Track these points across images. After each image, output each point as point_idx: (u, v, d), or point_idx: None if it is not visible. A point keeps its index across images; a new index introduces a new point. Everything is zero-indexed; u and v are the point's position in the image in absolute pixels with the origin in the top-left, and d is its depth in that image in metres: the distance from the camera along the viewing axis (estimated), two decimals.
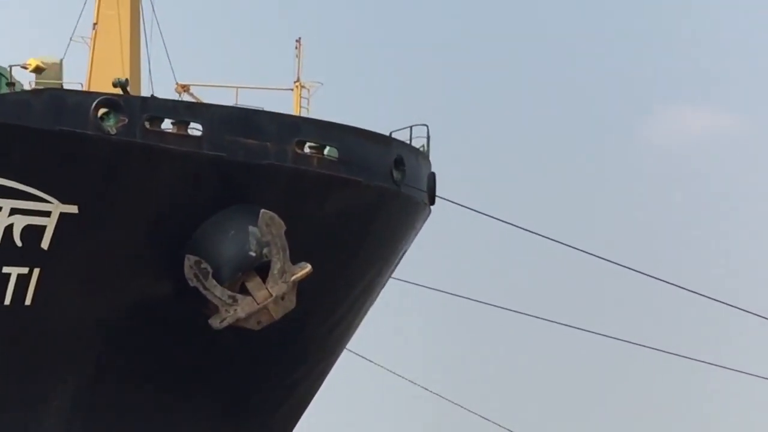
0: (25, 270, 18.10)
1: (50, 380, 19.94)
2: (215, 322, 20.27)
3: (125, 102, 18.80)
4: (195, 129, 20.16)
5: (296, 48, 29.74)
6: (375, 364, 33.53)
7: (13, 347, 18.82)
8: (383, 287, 29.46)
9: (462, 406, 34.07)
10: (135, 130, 18.47)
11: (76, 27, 29.49)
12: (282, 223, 20.54)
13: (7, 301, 18.15)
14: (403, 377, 34.24)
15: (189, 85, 30.34)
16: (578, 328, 32.54)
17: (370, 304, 29.07)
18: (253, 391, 24.89)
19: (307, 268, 21.05)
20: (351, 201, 23.39)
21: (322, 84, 29.84)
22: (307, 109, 29.58)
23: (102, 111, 18.09)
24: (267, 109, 23.70)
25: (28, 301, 18.47)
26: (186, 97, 30.20)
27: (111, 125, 18.12)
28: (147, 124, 18.76)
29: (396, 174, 24.14)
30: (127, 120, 18.27)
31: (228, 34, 66.97)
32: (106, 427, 21.41)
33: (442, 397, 34.12)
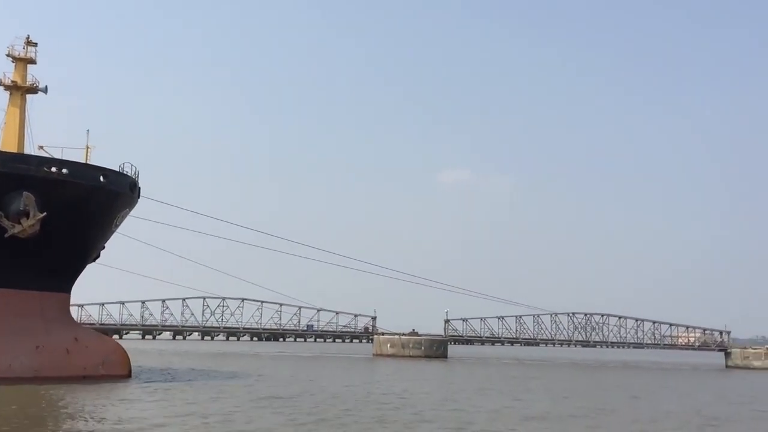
0: None
1: None
2: (5, 234, 51.99)
3: None
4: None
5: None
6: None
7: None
8: (114, 231, 61.41)
9: None
10: None
11: None
12: (32, 197, 52.14)
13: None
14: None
15: (44, 146, 62.25)
16: None
17: (108, 239, 61.06)
18: (60, 265, 57.05)
19: (44, 214, 52.51)
20: (78, 191, 55.00)
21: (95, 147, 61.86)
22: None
23: None
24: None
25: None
26: (43, 152, 62.27)
27: None
28: None
29: (103, 180, 55.75)
30: None
31: None
32: None
33: None
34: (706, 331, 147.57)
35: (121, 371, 60.33)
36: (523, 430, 36.52)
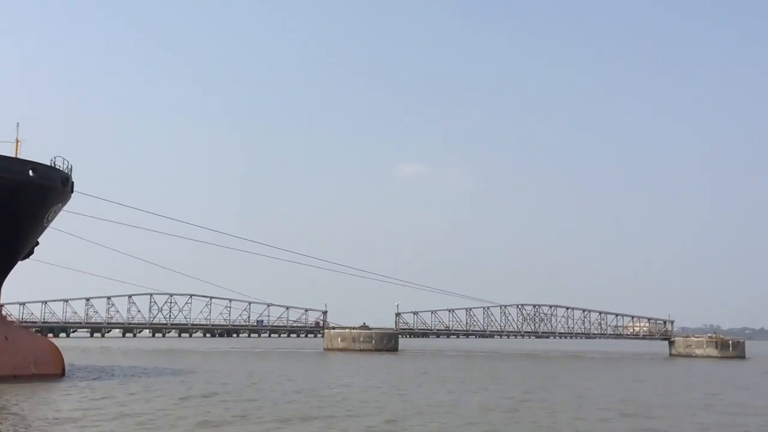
0: None
1: None
2: None
3: None
4: None
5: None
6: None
7: None
8: (47, 227, 59.72)
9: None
10: None
11: None
12: None
13: None
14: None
15: None
16: None
17: (39, 235, 59.35)
18: None
19: None
20: (5, 186, 53.51)
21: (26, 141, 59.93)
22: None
23: None
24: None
25: None
26: None
27: None
28: None
29: (33, 174, 54.15)
30: None
31: None
32: None
33: None
34: (651, 321, 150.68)
35: (53, 370, 58.95)
36: (451, 421, 36.61)
